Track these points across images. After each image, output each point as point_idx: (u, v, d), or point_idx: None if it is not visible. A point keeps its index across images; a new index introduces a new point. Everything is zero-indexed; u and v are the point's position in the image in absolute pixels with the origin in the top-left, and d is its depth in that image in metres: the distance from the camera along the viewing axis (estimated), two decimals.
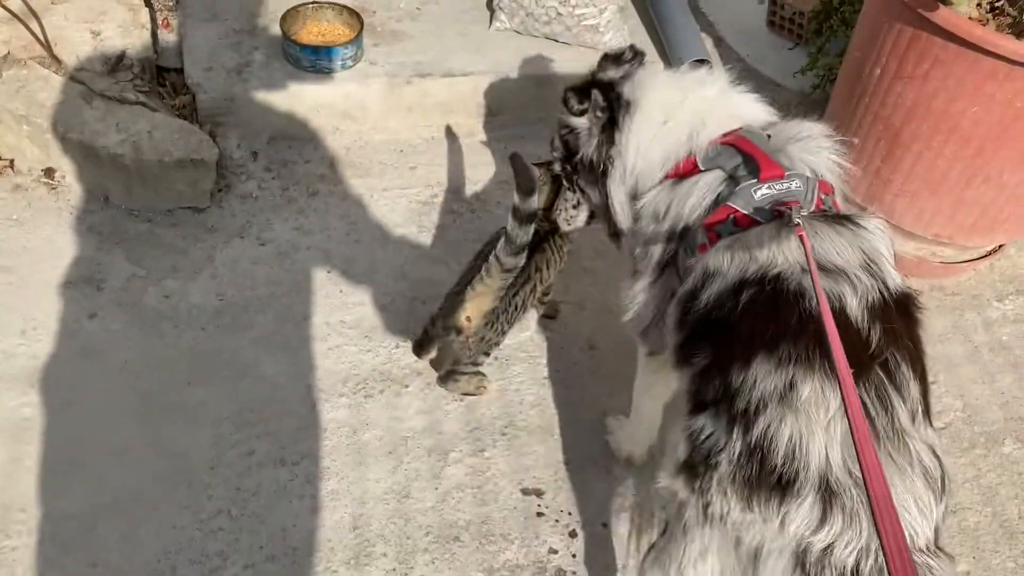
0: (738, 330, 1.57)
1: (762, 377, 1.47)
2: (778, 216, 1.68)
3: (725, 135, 1.85)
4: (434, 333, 2.33)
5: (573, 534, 2.25)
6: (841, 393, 1.28)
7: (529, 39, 3.32)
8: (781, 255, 1.61)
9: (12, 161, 2.89)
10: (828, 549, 1.38)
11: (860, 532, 1.37)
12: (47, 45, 2.94)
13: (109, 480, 2.23)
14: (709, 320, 1.65)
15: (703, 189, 1.81)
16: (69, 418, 2.34)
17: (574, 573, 2.18)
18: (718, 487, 1.47)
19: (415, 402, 2.47)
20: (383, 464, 2.33)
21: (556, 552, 2.21)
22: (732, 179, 1.78)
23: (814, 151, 1.84)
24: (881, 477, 1.13)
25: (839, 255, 1.62)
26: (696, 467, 1.52)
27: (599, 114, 1.97)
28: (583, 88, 2.00)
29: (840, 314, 1.52)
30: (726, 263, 1.66)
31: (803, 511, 1.39)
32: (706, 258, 1.72)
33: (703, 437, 1.52)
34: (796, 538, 1.40)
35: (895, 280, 1.64)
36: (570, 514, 2.28)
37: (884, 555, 1.05)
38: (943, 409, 2.58)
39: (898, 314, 1.60)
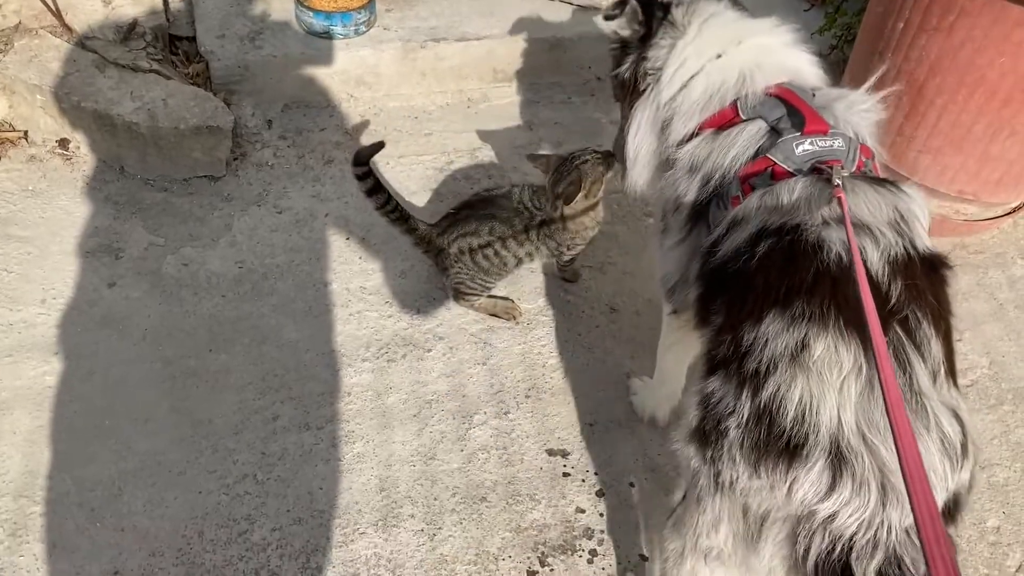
0: (752, 283, 1.52)
1: (773, 335, 1.41)
2: (816, 173, 1.64)
3: (772, 86, 1.79)
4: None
5: (600, 494, 2.24)
6: (875, 361, 1.23)
7: (543, 2, 3.29)
8: (806, 207, 1.57)
9: (26, 132, 2.87)
10: (831, 517, 1.32)
11: (867, 503, 1.31)
12: (58, 14, 2.91)
13: (134, 446, 2.23)
14: (725, 272, 1.61)
15: (746, 140, 1.75)
16: (92, 386, 2.33)
17: (602, 532, 2.17)
18: (728, 454, 1.42)
19: (438, 365, 2.45)
20: (408, 427, 2.32)
21: (583, 511, 2.20)
22: (774, 131, 1.73)
23: (859, 113, 1.79)
24: (913, 442, 1.08)
25: (869, 211, 1.56)
26: (708, 435, 1.47)
27: (636, 27, 1.92)
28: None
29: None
30: (752, 212, 1.63)
31: (811, 477, 1.33)
32: (736, 209, 1.68)
33: (714, 401, 1.47)
34: (802, 505, 1.34)
35: (924, 241, 1.57)
36: (596, 474, 2.27)
37: (916, 524, 1.00)
38: (969, 367, 2.56)
39: (923, 272, 1.53)
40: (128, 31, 2.93)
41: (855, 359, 1.37)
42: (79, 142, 2.86)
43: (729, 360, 1.47)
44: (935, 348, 1.44)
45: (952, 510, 1.39)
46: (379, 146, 2.39)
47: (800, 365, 1.38)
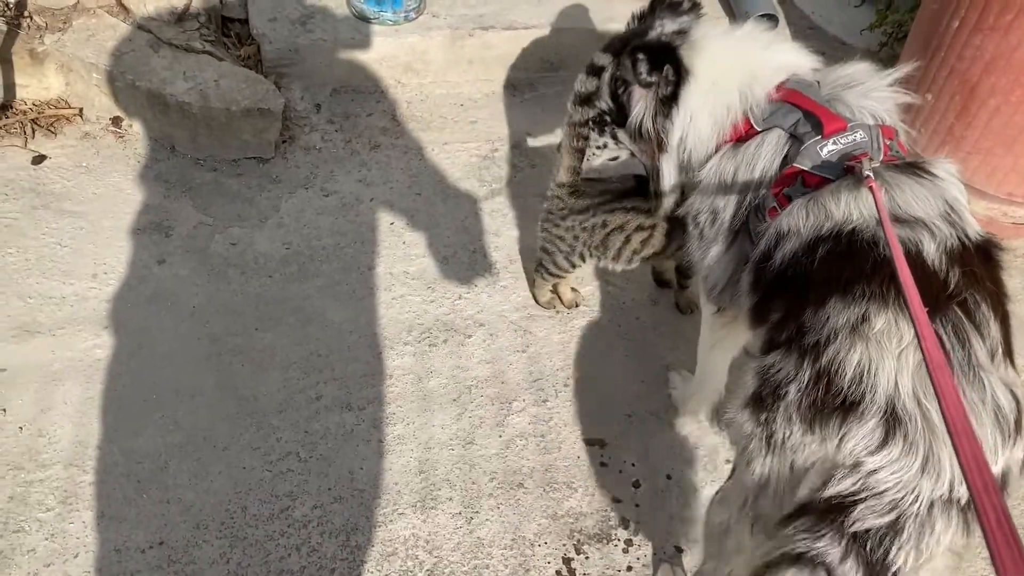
0: (813, 278, 1.54)
1: (835, 314, 1.45)
2: (849, 171, 1.63)
3: (776, 90, 1.78)
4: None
5: (636, 484, 2.25)
6: (915, 327, 1.23)
7: None
8: (857, 210, 1.57)
9: (81, 110, 2.93)
10: (875, 471, 1.34)
11: (911, 465, 1.33)
12: None
13: (180, 421, 2.28)
14: (784, 277, 1.62)
15: (769, 152, 1.75)
16: (140, 360, 2.39)
17: (637, 523, 2.18)
18: (783, 414, 1.44)
19: (478, 351, 2.48)
20: (448, 411, 2.35)
21: (620, 501, 2.22)
22: (794, 137, 1.73)
23: (871, 95, 1.77)
24: (957, 398, 1.08)
25: (919, 206, 1.57)
26: (764, 399, 1.49)
27: (666, 89, 1.86)
28: (656, 55, 1.84)
29: (916, 258, 1.48)
30: (801, 222, 1.62)
31: (863, 431, 1.36)
32: (779, 220, 1.68)
33: (773, 372, 1.50)
34: (850, 456, 1.36)
35: (975, 227, 1.59)
36: (633, 465, 2.29)
37: (964, 476, 0.99)
38: (1017, 370, 2.53)
39: (979, 259, 1.55)
40: (183, 12, 2.98)
41: (915, 334, 1.37)
42: (132, 120, 2.92)
43: (791, 340, 1.50)
44: (994, 329, 1.46)
45: (1001, 485, 1.40)
46: None
47: (860, 335, 1.41)
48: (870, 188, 1.53)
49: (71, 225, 2.66)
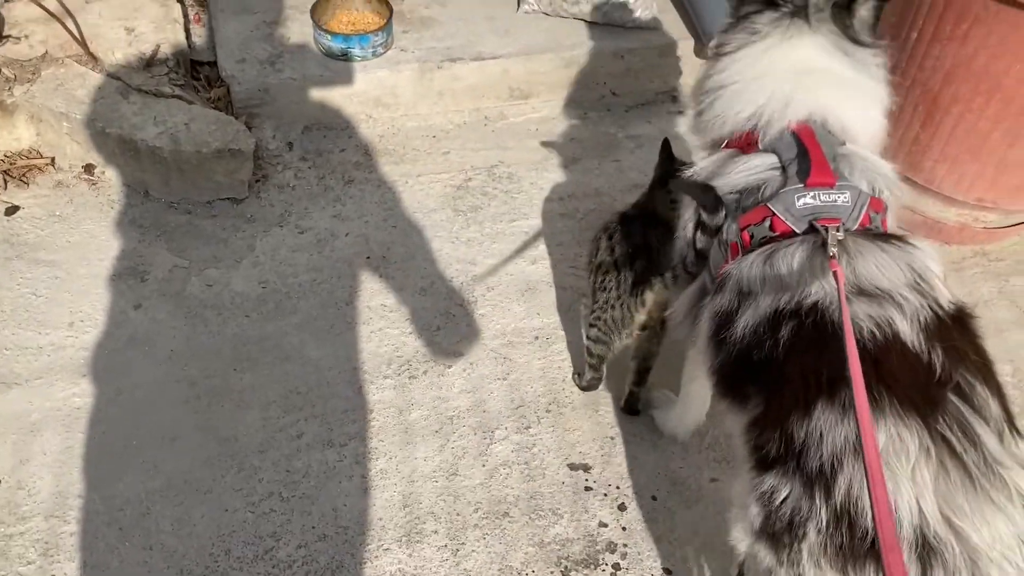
0: (787, 373, 1.46)
1: (828, 429, 1.36)
2: (814, 232, 1.56)
3: (797, 123, 1.69)
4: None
5: (622, 507, 2.24)
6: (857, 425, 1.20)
7: (557, 20, 3.32)
8: (816, 282, 1.50)
9: (53, 159, 2.93)
10: None
11: None
12: (83, 43, 2.98)
13: (161, 465, 2.26)
14: (751, 359, 1.54)
15: (750, 169, 1.68)
16: (119, 406, 2.37)
17: (625, 545, 2.17)
18: (810, 558, 1.36)
19: (459, 382, 2.47)
20: (430, 443, 2.34)
21: (606, 525, 2.21)
22: (784, 172, 1.65)
23: (881, 168, 1.70)
24: (890, 521, 1.07)
25: (883, 275, 1.50)
26: (780, 537, 1.41)
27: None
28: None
29: (894, 340, 1.41)
30: (758, 285, 1.56)
31: None
32: (739, 271, 1.61)
33: (779, 501, 1.41)
34: None
35: (946, 296, 1.52)
36: (618, 488, 2.28)
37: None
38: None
39: (956, 329, 1.48)
40: (151, 58, 3.00)
41: (920, 441, 1.32)
42: (104, 167, 2.92)
43: (785, 457, 1.41)
44: (994, 407, 1.40)
45: None
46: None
47: None
48: (834, 273, 1.46)
49: (46, 274, 2.66)
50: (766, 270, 1.56)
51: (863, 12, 1.76)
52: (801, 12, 1.75)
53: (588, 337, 2.32)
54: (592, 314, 2.28)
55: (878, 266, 1.51)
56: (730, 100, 1.77)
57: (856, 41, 1.76)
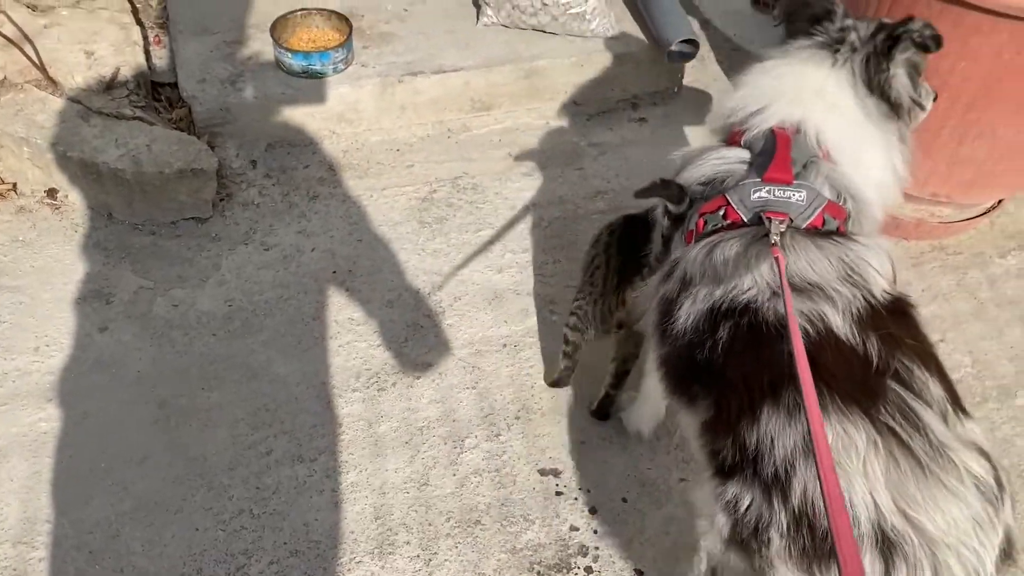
0: (729, 377, 1.48)
1: (777, 433, 1.38)
2: (759, 224, 1.59)
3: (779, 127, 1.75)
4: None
5: (593, 511, 2.26)
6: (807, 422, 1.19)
7: (517, 32, 3.35)
8: (748, 275, 1.52)
9: (15, 184, 2.92)
10: None
11: None
12: (42, 68, 2.97)
13: (130, 487, 2.25)
14: (694, 359, 1.55)
15: (716, 160, 1.74)
16: (87, 430, 2.36)
17: (596, 548, 2.19)
18: (778, 559, 1.37)
19: (428, 392, 2.48)
20: (400, 454, 2.34)
21: (577, 529, 2.22)
22: (751, 168, 1.70)
23: (860, 182, 1.73)
24: (845, 517, 1.07)
25: (814, 270, 1.52)
26: (748, 543, 1.42)
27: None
28: None
29: (828, 335, 1.42)
30: (698, 274, 1.59)
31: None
32: (685, 258, 1.64)
33: (743, 508, 1.42)
34: None
35: (881, 286, 1.53)
36: (589, 492, 2.30)
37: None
38: (953, 366, 2.58)
39: (892, 318, 1.50)
40: (111, 80, 2.99)
41: (866, 435, 1.33)
42: (67, 191, 2.91)
43: (742, 465, 1.43)
44: (935, 389, 1.41)
45: (1008, 549, 1.36)
46: None
47: None
48: (775, 259, 1.47)
49: (10, 300, 2.64)
50: (706, 260, 1.59)
51: (900, 71, 1.85)
52: (831, 46, 1.85)
53: (567, 324, 2.37)
54: (575, 303, 2.34)
55: (809, 261, 1.53)
56: (737, 98, 1.86)
57: (882, 95, 1.85)
